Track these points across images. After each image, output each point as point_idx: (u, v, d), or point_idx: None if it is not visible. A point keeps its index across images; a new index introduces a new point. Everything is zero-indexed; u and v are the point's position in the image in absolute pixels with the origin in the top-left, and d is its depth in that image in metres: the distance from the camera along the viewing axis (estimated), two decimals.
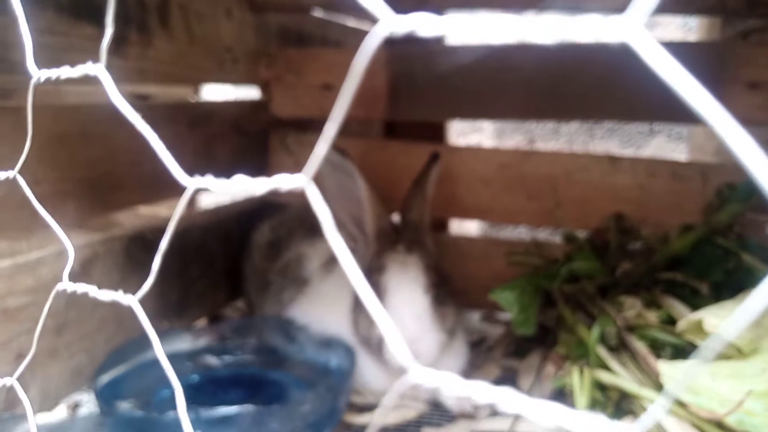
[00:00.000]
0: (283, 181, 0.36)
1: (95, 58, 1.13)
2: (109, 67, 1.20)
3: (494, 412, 1.13)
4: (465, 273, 1.48)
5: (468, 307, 1.49)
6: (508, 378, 1.25)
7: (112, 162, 1.16)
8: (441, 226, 1.92)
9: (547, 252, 1.28)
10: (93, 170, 1.12)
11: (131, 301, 0.47)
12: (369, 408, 1.15)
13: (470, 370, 1.25)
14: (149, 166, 1.26)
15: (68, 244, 0.51)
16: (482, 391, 0.29)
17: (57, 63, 1.03)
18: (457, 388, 0.30)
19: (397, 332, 1.03)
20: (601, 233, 1.29)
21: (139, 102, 1.35)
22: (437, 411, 1.15)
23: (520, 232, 2.65)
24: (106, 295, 0.48)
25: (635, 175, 1.40)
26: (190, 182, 0.41)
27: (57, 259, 1.04)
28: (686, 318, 0.87)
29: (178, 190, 1.61)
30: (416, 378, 0.31)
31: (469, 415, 1.11)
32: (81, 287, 0.50)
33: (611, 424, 0.27)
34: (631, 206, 1.38)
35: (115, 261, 1.16)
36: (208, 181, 0.40)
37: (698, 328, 0.86)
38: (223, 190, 0.38)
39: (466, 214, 1.57)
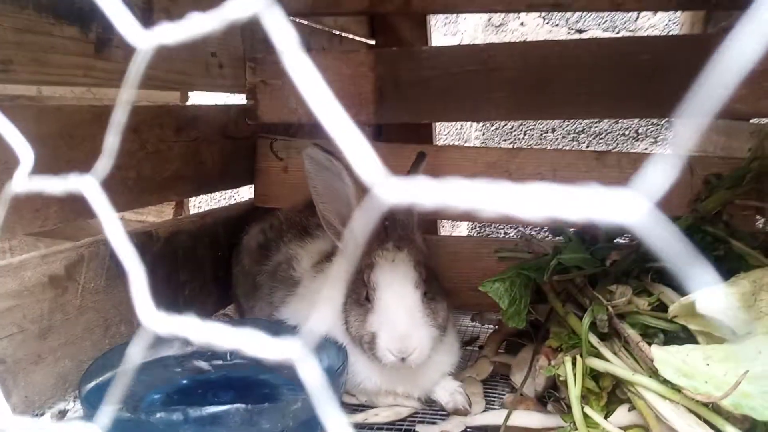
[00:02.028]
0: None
1: (78, 60, 1.13)
2: (93, 70, 1.19)
3: (488, 402, 1.12)
4: (455, 273, 1.47)
5: (458, 307, 1.48)
6: (500, 374, 1.24)
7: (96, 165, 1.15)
8: (431, 229, 1.91)
9: (536, 248, 1.28)
10: (77, 173, 1.10)
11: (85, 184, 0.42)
12: (362, 408, 1.14)
13: (462, 368, 1.24)
14: (134, 171, 1.25)
15: (19, 148, 0.47)
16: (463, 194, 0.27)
17: (39, 63, 1.03)
18: (432, 195, 0.28)
19: (389, 328, 1.01)
20: (589, 229, 1.29)
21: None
22: (430, 409, 1.13)
23: (510, 236, 2.64)
24: (58, 186, 0.43)
25: (622, 170, 1.41)
26: (141, 39, 0.37)
27: (40, 263, 1.02)
28: (678, 302, 0.87)
29: (164, 196, 1.58)
30: (383, 192, 0.29)
31: (462, 413, 1.10)
32: (33, 185, 0.45)
33: None
34: None
35: (100, 265, 1.14)
36: (159, 33, 0.36)
37: (690, 310, 0.85)
38: (171, 39, 0.35)
39: (454, 214, 1.57)
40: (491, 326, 1.48)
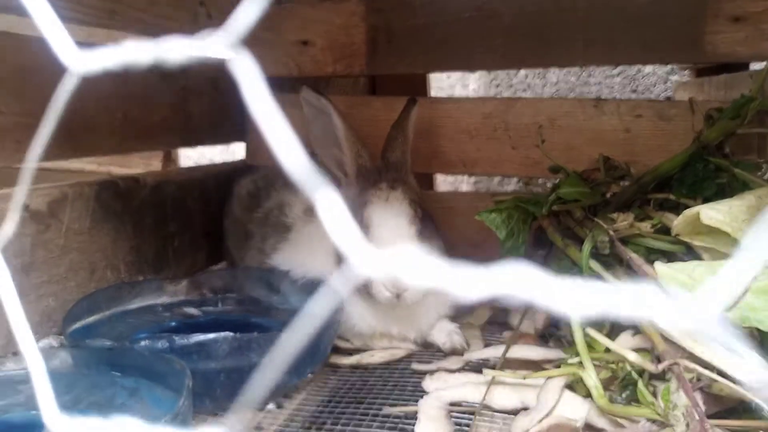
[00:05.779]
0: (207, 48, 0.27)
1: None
2: (80, 4, 1.15)
3: (486, 344, 1.09)
4: (452, 228, 1.44)
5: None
6: (499, 320, 1.21)
7: (81, 102, 1.11)
8: (428, 184, 1.88)
9: (535, 191, 1.24)
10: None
11: None
12: (356, 352, 1.10)
13: (461, 313, 1.20)
14: (121, 113, 1.21)
15: None
16: None
17: None
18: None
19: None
20: (589, 173, 1.26)
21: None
22: (427, 351, 1.10)
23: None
24: None
25: (621, 117, 1.38)
26: None
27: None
28: (683, 214, 0.83)
29: (149, 144, 1.54)
30: None
31: (460, 353, 1.06)
32: None
33: None
34: (618, 149, 1.35)
35: (85, 206, 1.10)
36: None
37: (695, 225, 0.82)
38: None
39: (451, 167, 1.54)
40: None
